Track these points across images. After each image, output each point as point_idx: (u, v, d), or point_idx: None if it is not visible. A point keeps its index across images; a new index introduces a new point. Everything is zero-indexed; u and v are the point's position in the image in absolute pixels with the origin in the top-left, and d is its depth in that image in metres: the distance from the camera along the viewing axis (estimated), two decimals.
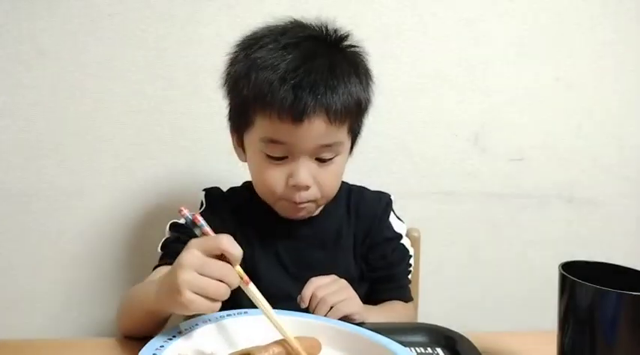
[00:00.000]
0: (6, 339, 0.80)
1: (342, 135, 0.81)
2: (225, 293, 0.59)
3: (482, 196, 1.31)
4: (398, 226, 0.96)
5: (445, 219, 1.30)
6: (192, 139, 1.18)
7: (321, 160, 0.81)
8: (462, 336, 0.71)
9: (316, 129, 0.77)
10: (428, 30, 1.22)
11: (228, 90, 0.85)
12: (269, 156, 0.80)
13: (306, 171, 0.79)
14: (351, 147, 0.89)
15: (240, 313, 0.70)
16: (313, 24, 0.83)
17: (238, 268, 0.61)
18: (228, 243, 0.59)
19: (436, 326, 0.76)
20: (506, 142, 1.30)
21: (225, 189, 0.95)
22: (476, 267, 1.33)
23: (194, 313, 0.60)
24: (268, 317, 0.63)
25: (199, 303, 0.58)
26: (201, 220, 0.62)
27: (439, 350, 0.70)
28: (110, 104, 1.15)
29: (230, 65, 0.83)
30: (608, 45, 1.29)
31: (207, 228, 0.62)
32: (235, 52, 0.83)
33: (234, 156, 1.18)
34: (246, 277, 0.62)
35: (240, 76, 0.80)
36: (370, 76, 0.86)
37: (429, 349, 0.70)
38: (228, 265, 0.60)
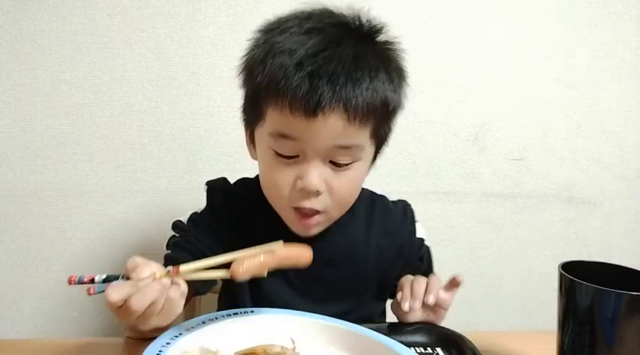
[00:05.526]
0: (6, 339, 0.80)
1: (362, 137, 0.72)
2: (156, 286, 0.56)
3: (482, 196, 1.31)
4: (420, 232, 0.91)
5: (445, 218, 1.30)
6: (192, 139, 1.18)
7: (336, 165, 0.72)
8: (462, 336, 0.71)
9: (332, 126, 0.68)
10: (428, 30, 1.22)
11: (243, 78, 0.76)
12: (278, 154, 0.71)
13: (316, 174, 0.70)
14: (375, 156, 0.79)
15: (247, 312, 0.70)
16: (344, 12, 0.74)
17: (157, 274, 0.58)
18: (110, 291, 0.56)
19: (436, 326, 0.76)
20: (506, 142, 1.30)
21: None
22: (476, 267, 1.33)
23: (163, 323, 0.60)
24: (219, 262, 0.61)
25: (154, 312, 0.57)
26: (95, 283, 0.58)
27: (439, 350, 0.70)
28: (110, 104, 1.15)
29: (249, 51, 0.75)
30: (607, 45, 1.29)
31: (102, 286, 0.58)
32: (256, 37, 0.74)
33: (233, 156, 1.19)
34: (173, 269, 0.59)
35: (256, 61, 0.71)
36: (403, 76, 0.76)
37: (429, 349, 0.70)
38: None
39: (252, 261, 0.61)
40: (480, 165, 1.30)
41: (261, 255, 0.62)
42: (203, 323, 0.66)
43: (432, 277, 0.78)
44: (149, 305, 0.56)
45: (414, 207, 0.90)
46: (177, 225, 0.83)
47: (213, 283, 0.83)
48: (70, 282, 0.58)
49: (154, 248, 0.87)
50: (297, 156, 0.71)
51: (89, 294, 0.57)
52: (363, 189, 0.81)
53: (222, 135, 1.18)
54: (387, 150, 1.27)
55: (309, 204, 0.72)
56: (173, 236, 0.83)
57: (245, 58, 0.75)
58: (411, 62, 1.21)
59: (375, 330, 0.68)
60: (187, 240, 0.80)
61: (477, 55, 1.25)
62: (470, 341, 0.70)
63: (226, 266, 0.61)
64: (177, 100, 1.17)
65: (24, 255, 1.18)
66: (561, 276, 0.61)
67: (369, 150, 0.75)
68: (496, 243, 1.34)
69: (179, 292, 0.59)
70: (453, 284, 0.77)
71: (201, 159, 1.19)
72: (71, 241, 1.19)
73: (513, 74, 1.27)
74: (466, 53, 1.25)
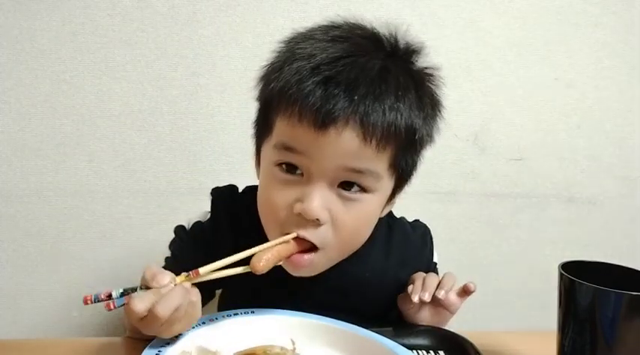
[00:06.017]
0: (6, 339, 0.80)
1: (379, 164, 0.63)
2: (180, 290, 0.56)
3: (482, 196, 1.31)
4: (435, 256, 0.87)
5: (445, 219, 1.30)
6: (192, 139, 1.18)
7: (345, 190, 0.63)
8: (466, 339, 0.71)
9: (345, 143, 0.59)
10: (428, 30, 1.22)
11: (259, 89, 0.69)
12: (279, 170, 0.64)
13: (319, 197, 0.61)
14: (393, 193, 0.70)
15: (247, 312, 0.69)
16: (378, 29, 0.68)
17: (177, 279, 0.58)
18: (135, 302, 0.54)
19: (440, 328, 0.75)
20: (506, 142, 1.30)
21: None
22: (476, 267, 1.33)
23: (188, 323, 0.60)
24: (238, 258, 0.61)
25: (178, 317, 0.56)
26: (113, 300, 0.55)
27: (442, 353, 0.69)
28: (110, 104, 1.15)
29: (268, 62, 0.68)
30: (607, 45, 1.29)
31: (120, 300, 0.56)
32: (279, 47, 0.69)
33: (233, 156, 1.18)
34: (192, 273, 0.59)
35: (274, 69, 0.65)
36: (437, 106, 0.68)
37: (431, 352, 0.69)
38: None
39: (270, 254, 0.62)
40: (480, 165, 1.30)
41: (277, 247, 0.63)
42: (203, 323, 0.66)
43: (446, 274, 0.77)
44: (174, 311, 0.55)
45: (413, 206, 0.90)
46: (178, 232, 0.81)
47: (212, 296, 0.83)
48: (85, 302, 0.55)
49: (154, 248, 0.87)
50: (302, 175, 0.63)
51: (109, 310, 0.54)
52: None
53: (222, 135, 1.18)
54: None
55: (304, 233, 0.63)
56: (174, 240, 0.81)
57: (264, 68, 0.69)
58: None
59: (377, 332, 0.68)
60: (184, 256, 0.77)
61: (477, 55, 1.25)
62: (474, 345, 0.69)
63: (244, 262, 0.62)
64: (177, 100, 1.17)
65: (24, 255, 1.18)
66: (561, 276, 0.61)
67: (387, 183, 0.66)
68: (496, 243, 1.34)
69: (199, 295, 0.59)
70: (466, 291, 0.75)
71: (201, 159, 1.19)
72: (71, 241, 1.19)
73: (513, 74, 1.27)
74: (466, 53, 1.25)
